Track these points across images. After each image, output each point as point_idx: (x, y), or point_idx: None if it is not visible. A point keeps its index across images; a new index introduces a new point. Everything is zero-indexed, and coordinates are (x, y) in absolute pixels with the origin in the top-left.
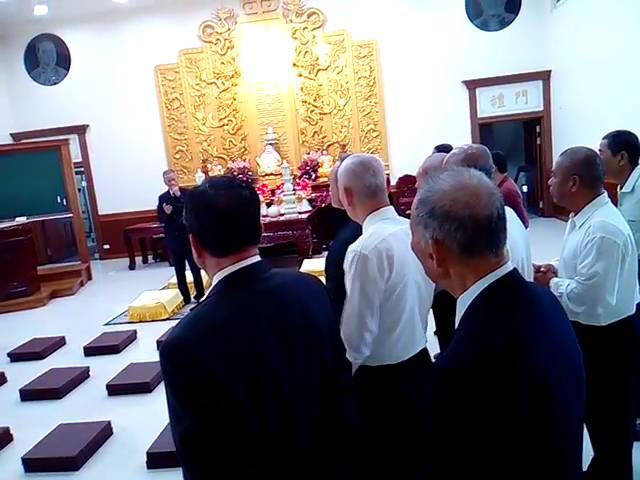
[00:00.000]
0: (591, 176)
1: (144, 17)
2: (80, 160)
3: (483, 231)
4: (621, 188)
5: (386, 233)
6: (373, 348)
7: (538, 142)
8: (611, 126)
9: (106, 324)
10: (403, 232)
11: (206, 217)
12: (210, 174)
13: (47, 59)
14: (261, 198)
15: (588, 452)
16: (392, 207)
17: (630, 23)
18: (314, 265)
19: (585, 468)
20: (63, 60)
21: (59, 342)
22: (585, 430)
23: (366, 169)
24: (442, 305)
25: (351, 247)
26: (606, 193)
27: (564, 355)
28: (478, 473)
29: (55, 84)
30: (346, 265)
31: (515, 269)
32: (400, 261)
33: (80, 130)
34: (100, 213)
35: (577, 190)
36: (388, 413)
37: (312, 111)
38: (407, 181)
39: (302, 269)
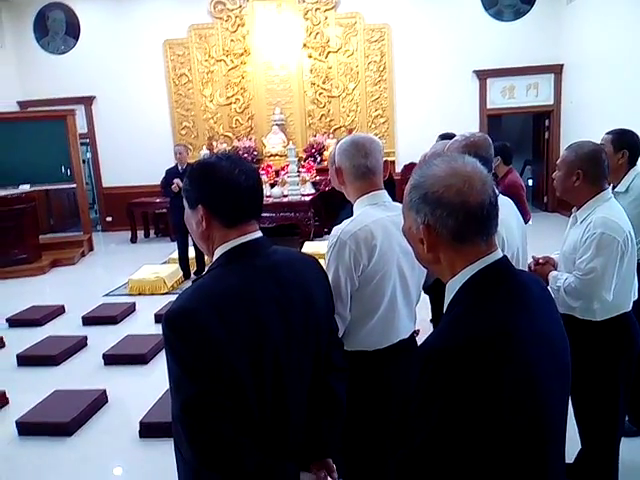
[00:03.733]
0: (595, 172)
1: None
2: (86, 131)
3: (474, 218)
4: (614, 187)
5: (369, 220)
6: (349, 333)
7: (546, 136)
8: (620, 123)
9: (105, 295)
10: (389, 220)
11: (222, 186)
12: (216, 151)
13: (56, 28)
14: (265, 179)
15: (576, 445)
16: (385, 191)
17: None
18: (315, 248)
19: (572, 460)
20: (72, 30)
21: (58, 310)
22: (574, 423)
23: (358, 150)
24: (438, 293)
25: (334, 229)
26: (610, 189)
27: (550, 344)
28: (458, 454)
29: (63, 53)
30: (327, 245)
31: (505, 256)
32: (383, 250)
33: (87, 101)
34: (104, 185)
35: (580, 185)
36: (362, 398)
37: (320, 94)
38: (412, 168)
39: (302, 251)
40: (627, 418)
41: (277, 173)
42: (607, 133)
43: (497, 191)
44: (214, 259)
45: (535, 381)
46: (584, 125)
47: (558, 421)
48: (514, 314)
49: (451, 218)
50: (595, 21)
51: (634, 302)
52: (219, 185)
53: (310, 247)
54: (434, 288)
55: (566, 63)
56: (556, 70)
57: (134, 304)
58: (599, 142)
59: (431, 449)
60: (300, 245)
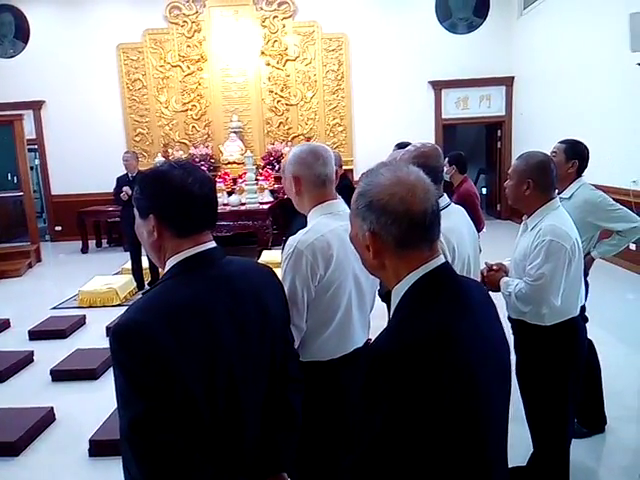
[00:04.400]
0: (545, 181)
1: None
2: (34, 137)
3: (418, 226)
4: (559, 193)
5: (326, 229)
6: (304, 344)
7: (499, 146)
8: (567, 134)
9: (54, 308)
10: (343, 229)
11: (175, 196)
12: (171, 159)
13: (5, 31)
14: (222, 187)
15: (529, 448)
16: (341, 200)
17: (590, 35)
18: (273, 256)
19: (525, 463)
20: (22, 33)
21: (3, 325)
22: (527, 426)
23: (316, 158)
24: None
25: (290, 239)
26: (558, 198)
27: (490, 345)
28: (403, 457)
29: (12, 57)
30: (283, 256)
31: (447, 262)
32: (339, 259)
33: (35, 106)
34: (53, 193)
35: (531, 193)
36: (318, 409)
37: (278, 101)
38: None
39: (261, 260)
40: (576, 420)
41: (235, 181)
42: (560, 142)
43: (450, 200)
44: (166, 270)
45: (476, 382)
46: (534, 135)
47: (499, 422)
48: (456, 317)
49: (395, 225)
50: (542, 36)
51: (581, 307)
52: (171, 194)
53: (269, 256)
54: (390, 294)
55: (517, 76)
56: (507, 82)
57: (84, 317)
58: (550, 151)
59: (377, 453)
60: (258, 254)
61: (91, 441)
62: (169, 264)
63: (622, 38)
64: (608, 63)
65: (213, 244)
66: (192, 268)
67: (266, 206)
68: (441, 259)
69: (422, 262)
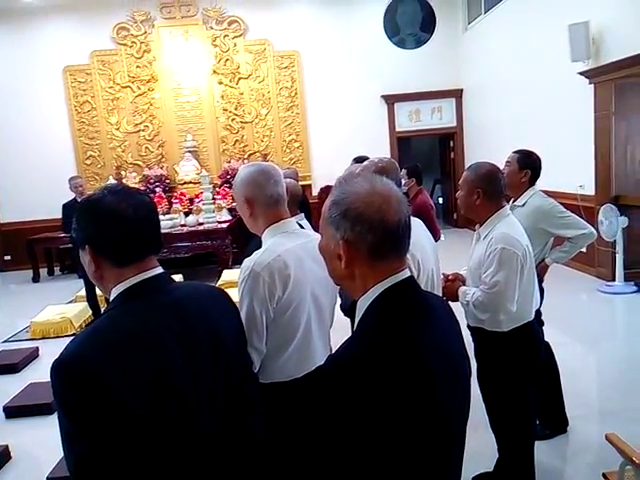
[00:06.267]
0: (493, 190)
1: (53, 16)
2: None
3: (391, 235)
4: (514, 201)
5: (282, 249)
6: (264, 365)
7: (452, 156)
8: (515, 141)
9: (5, 341)
10: (300, 247)
11: (109, 223)
12: (125, 181)
13: None
14: (179, 207)
15: (494, 454)
16: (293, 220)
17: (533, 47)
18: (234, 276)
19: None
20: None
21: None
22: (492, 432)
23: (268, 178)
24: None
25: (246, 261)
26: (508, 206)
27: (451, 358)
28: (363, 464)
29: None
30: (239, 278)
31: (411, 276)
32: (297, 279)
33: None
34: (1, 221)
35: (481, 203)
36: (285, 430)
37: (233, 119)
38: (328, 191)
39: (221, 280)
40: (538, 422)
41: (191, 201)
42: (515, 152)
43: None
44: (110, 300)
45: (435, 391)
46: (485, 145)
47: (458, 429)
48: (419, 330)
49: (370, 234)
50: (487, 49)
51: (537, 311)
52: (103, 223)
53: (229, 275)
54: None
55: (465, 88)
56: (457, 95)
57: (37, 349)
58: (500, 160)
59: (337, 461)
60: (219, 273)
61: (49, 479)
62: (113, 294)
63: (563, 49)
64: (551, 73)
65: (159, 270)
66: (136, 296)
67: (225, 225)
68: (406, 272)
69: (390, 273)
